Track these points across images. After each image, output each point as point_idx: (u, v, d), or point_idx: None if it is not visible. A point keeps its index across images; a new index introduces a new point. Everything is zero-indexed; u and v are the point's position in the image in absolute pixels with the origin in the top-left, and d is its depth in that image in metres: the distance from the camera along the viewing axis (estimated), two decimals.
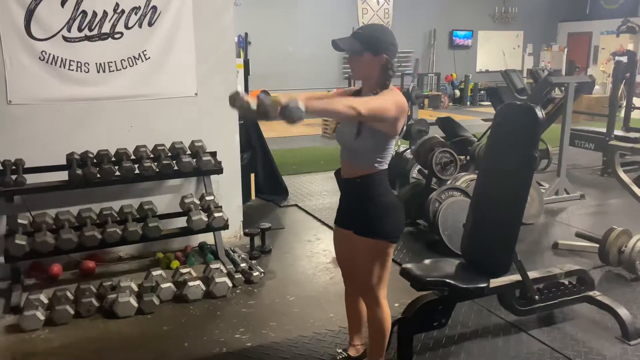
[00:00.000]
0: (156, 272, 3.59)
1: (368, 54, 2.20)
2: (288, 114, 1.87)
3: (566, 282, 3.12)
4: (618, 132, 6.98)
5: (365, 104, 2.03)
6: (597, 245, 3.86)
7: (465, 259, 2.87)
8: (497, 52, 16.39)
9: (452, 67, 15.57)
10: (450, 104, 14.88)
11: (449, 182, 4.63)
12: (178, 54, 4.02)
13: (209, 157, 3.91)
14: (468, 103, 15.29)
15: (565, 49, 16.22)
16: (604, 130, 7.06)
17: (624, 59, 13.42)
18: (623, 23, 15.36)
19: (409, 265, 2.64)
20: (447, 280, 2.56)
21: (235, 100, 1.95)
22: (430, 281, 2.58)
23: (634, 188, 4.05)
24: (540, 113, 2.53)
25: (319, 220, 5.08)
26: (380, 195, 2.29)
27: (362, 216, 2.31)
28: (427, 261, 2.81)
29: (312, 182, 6.59)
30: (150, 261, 4.05)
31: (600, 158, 7.06)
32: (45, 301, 3.25)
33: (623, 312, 2.98)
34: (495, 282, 2.76)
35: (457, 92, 15.37)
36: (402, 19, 14.51)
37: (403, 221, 2.39)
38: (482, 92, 15.63)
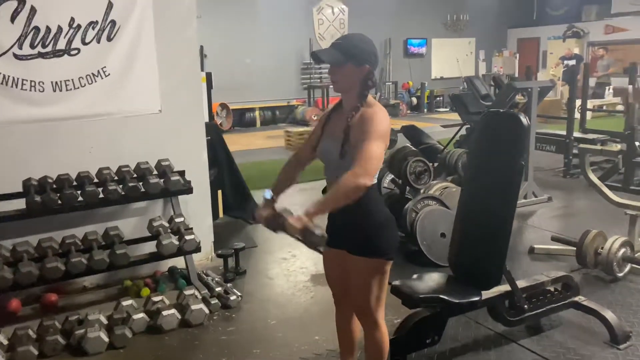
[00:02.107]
0: (126, 302, 3.36)
1: (350, 65, 2.11)
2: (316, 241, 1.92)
3: (552, 289, 3.09)
4: (576, 134, 7.16)
5: (367, 172, 1.96)
6: (574, 249, 3.88)
7: (453, 272, 2.80)
8: (451, 59, 16.70)
9: (408, 75, 15.76)
10: (408, 111, 15.03)
11: (422, 190, 4.58)
12: (140, 69, 3.82)
13: (178, 177, 3.72)
14: (425, 110, 15.48)
15: (517, 55, 16.69)
16: (561, 132, 7.24)
17: (572, 62, 14.02)
18: (568, 28, 15.96)
19: (399, 282, 2.54)
20: (441, 296, 2.48)
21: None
22: (423, 298, 2.49)
23: (604, 189, 4.11)
24: (525, 120, 2.49)
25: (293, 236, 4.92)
26: (374, 212, 2.19)
27: (356, 235, 2.19)
28: (415, 277, 2.72)
29: (281, 196, 6.42)
30: (117, 290, 3.81)
31: (562, 160, 7.22)
32: (5, 342, 2.98)
33: (610, 315, 2.97)
34: (485, 294, 2.70)
35: (414, 100, 15.55)
36: (357, 29, 14.42)
37: (398, 237, 2.29)
38: (438, 98, 15.92)
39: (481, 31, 17.03)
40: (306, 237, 1.90)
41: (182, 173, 3.82)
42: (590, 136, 7.03)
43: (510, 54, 17.15)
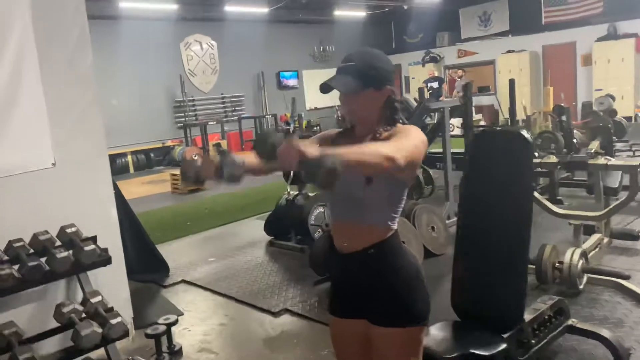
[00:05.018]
0: None
1: (370, 90, 1.70)
2: (325, 173, 1.31)
3: (547, 317, 2.87)
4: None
5: (401, 151, 1.51)
6: (532, 266, 3.76)
7: (460, 317, 2.44)
8: None
9: (284, 107, 15.61)
10: None
11: None
12: (23, 114, 3.00)
13: (92, 246, 2.93)
14: None
15: None
16: (458, 150, 7.42)
17: (435, 84, 14.96)
18: (426, 54, 17.06)
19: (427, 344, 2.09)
20: (472, 351, 2.09)
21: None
22: (455, 357, 2.07)
23: (546, 202, 4.09)
24: (530, 137, 2.24)
25: (221, 294, 4.26)
26: (401, 264, 1.74)
27: (383, 299, 1.72)
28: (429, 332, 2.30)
29: (189, 248, 5.68)
30: None
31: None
32: None
33: (608, 334, 2.81)
34: None
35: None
36: (228, 63, 14.17)
37: (429, 293, 1.85)
38: (316, 128, 15.96)
39: None
40: (325, 168, 1.30)
41: (94, 239, 3.03)
42: None
43: None
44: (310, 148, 1.33)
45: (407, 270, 1.74)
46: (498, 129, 2.98)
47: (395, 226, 1.73)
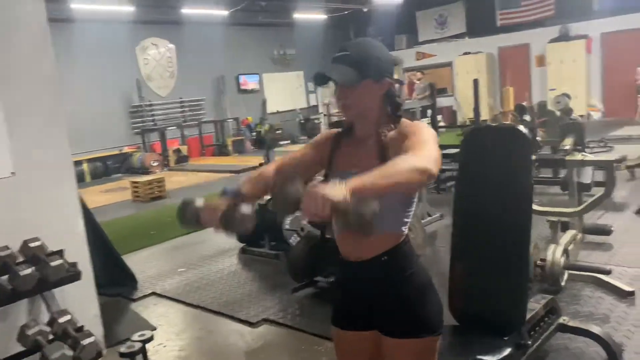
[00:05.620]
0: None
1: (368, 82, 1.57)
2: (365, 218, 1.25)
3: (539, 317, 2.82)
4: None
5: (431, 159, 1.39)
6: None
7: (459, 321, 2.36)
8: (283, 92, 16.77)
9: (245, 111, 15.36)
10: (252, 147, 14.60)
11: None
12: None
13: (59, 260, 2.69)
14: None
15: None
16: None
17: (397, 86, 15.08)
18: None
19: None
20: (483, 358, 2.01)
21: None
22: None
23: None
24: (528, 132, 2.18)
25: (195, 306, 4.05)
26: (416, 272, 1.64)
27: (395, 309, 1.61)
28: None
29: (155, 259, 5.43)
30: None
31: None
32: None
33: (599, 330, 2.80)
34: None
35: (255, 135, 15.19)
36: (187, 67, 13.81)
37: (441, 300, 1.73)
38: (278, 132, 15.78)
39: (308, 64, 17.40)
40: (356, 208, 1.22)
41: (60, 253, 2.79)
42: (452, 151, 7.34)
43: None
44: (335, 189, 1.24)
45: (420, 277, 1.64)
46: (493, 125, 2.93)
47: (407, 231, 1.63)
